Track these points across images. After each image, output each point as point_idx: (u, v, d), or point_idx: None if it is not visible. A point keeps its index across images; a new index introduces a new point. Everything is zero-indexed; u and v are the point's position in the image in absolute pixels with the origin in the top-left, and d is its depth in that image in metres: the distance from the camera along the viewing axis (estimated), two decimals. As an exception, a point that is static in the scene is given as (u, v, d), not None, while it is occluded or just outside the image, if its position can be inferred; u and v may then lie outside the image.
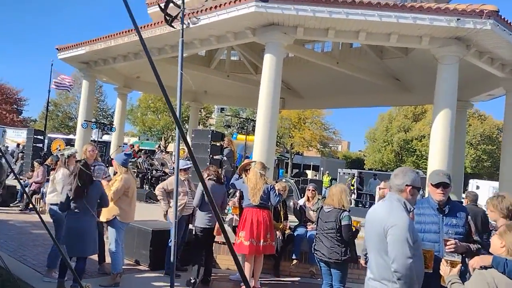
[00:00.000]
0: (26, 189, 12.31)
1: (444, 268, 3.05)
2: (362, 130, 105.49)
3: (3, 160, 6.24)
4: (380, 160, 44.23)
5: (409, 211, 3.07)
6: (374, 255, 3.09)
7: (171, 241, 6.57)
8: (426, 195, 4.89)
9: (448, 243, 3.39)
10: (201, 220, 6.40)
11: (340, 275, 5.10)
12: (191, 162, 7.11)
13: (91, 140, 17.07)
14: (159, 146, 21.64)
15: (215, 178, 6.55)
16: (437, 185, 3.58)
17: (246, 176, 6.67)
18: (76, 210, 5.23)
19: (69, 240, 5.17)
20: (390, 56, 13.97)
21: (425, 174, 18.67)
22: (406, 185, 3.07)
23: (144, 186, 14.49)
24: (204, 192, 6.26)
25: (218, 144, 9.98)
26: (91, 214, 5.26)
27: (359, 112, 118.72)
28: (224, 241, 7.27)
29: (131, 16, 1.58)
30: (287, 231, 7.51)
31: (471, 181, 29.76)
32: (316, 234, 5.44)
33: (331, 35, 9.81)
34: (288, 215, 7.75)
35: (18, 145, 24.08)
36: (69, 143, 22.28)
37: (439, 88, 9.80)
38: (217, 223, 6.38)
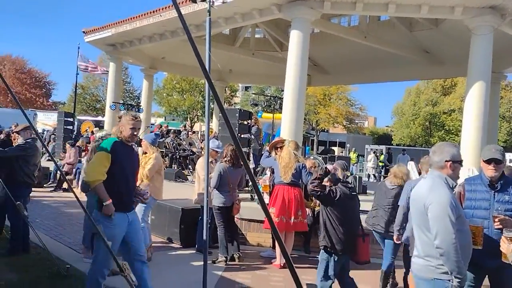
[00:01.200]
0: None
1: (505, 245, 2.98)
2: (388, 105, 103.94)
3: (38, 143, 6.41)
4: (408, 135, 43.49)
5: (452, 187, 3.01)
6: (418, 232, 3.08)
7: (201, 218, 6.66)
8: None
9: (496, 219, 3.32)
10: (218, 199, 6.42)
11: (392, 247, 5.43)
12: (221, 143, 7.15)
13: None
14: (185, 126, 21.80)
15: (231, 161, 6.49)
16: (488, 161, 3.50)
17: (276, 154, 6.66)
18: None
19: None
20: (420, 28, 13.55)
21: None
22: (446, 160, 3.02)
23: (173, 165, 14.68)
24: (220, 173, 6.31)
25: (245, 122, 9.96)
26: None
27: (386, 87, 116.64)
28: (252, 218, 7.40)
29: None
30: (317, 208, 7.48)
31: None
32: (374, 207, 5.72)
33: (359, 8, 9.55)
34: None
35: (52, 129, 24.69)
36: (98, 124, 22.70)
37: (472, 60, 9.47)
38: (234, 201, 6.51)
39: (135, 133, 4.14)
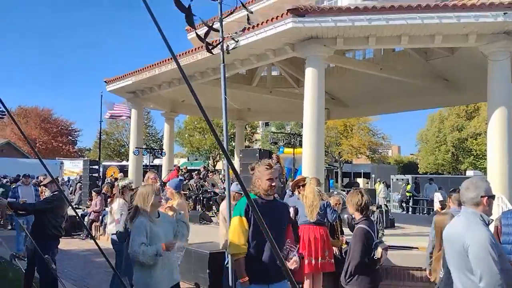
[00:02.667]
0: (86, 218, 12.85)
1: None
2: (412, 133, 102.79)
3: (66, 193, 6.55)
4: (435, 162, 42.69)
5: (488, 224, 2.92)
6: (458, 274, 2.94)
7: (227, 262, 6.60)
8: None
9: None
10: None
11: None
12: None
13: (143, 165, 17.57)
14: (204, 167, 21.96)
15: None
16: None
17: (299, 192, 6.62)
18: None
19: (129, 268, 5.28)
20: (436, 56, 13.54)
21: (485, 175, 17.79)
22: (481, 196, 2.91)
23: (197, 207, 14.70)
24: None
25: (266, 162, 9.96)
26: None
27: (408, 115, 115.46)
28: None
29: (169, 48, 1.62)
30: (344, 246, 7.34)
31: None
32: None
33: (372, 43, 9.65)
34: (343, 229, 7.60)
35: (77, 176, 25.19)
36: (122, 169, 23.07)
37: (491, 85, 9.37)
38: None
39: (274, 183, 3.64)
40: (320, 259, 6.13)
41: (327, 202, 6.43)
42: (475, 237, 2.75)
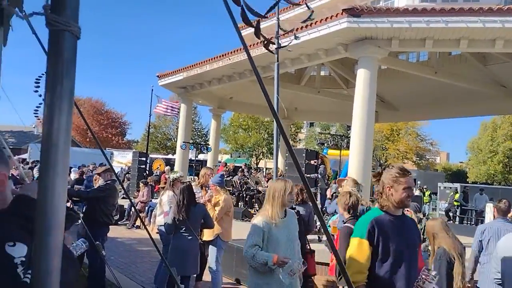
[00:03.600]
0: (132, 208, 13.23)
1: None
2: (462, 140, 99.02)
3: (116, 183, 6.77)
4: (486, 172, 40.93)
5: None
6: None
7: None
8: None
9: None
10: None
11: None
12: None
13: (189, 159, 17.89)
14: (246, 164, 22.07)
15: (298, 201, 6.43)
16: None
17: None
18: (181, 231, 5.45)
19: (173, 259, 5.39)
20: (495, 61, 12.98)
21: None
22: None
23: (239, 204, 14.80)
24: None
25: (312, 162, 9.92)
26: (193, 235, 5.45)
27: (459, 121, 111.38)
28: (318, 261, 7.22)
29: (241, 38, 1.64)
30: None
31: None
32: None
33: (428, 45, 9.37)
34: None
35: (124, 166, 25.97)
36: (168, 162, 23.57)
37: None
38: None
39: (410, 194, 2.80)
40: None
41: (367, 207, 6.09)
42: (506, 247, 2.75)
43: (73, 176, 15.19)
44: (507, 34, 8.83)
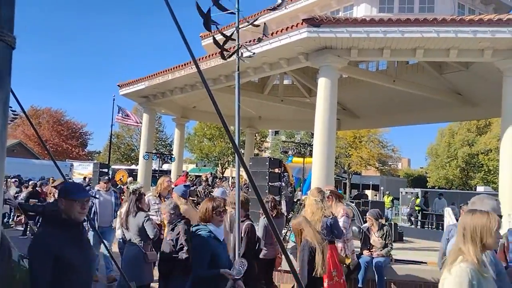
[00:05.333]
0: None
1: None
2: (422, 146, 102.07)
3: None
4: (445, 176, 42.32)
5: None
6: None
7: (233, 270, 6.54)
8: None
9: None
10: (264, 252, 6.30)
11: None
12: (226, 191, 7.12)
13: (152, 170, 17.61)
14: (211, 173, 21.95)
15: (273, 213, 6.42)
16: None
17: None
18: (130, 241, 5.39)
19: (125, 270, 5.26)
20: (450, 70, 13.46)
21: (496, 191, 17.52)
22: None
23: (204, 214, 14.64)
24: (265, 225, 6.23)
25: (276, 171, 9.94)
26: (135, 244, 5.37)
27: (418, 127, 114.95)
28: (287, 269, 7.22)
29: (191, 52, 1.63)
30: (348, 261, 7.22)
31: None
32: None
33: (386, 55, 9.62)
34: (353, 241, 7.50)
35: (84, 178, 25.29)
36: (131, 173, 23.13)
37: (505, 102, 9.26)
38: (276, 255, 6.27)
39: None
40: (327, 281, 5.51)
41: (333, 218, 5.80)
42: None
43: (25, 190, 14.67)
44: (461, 44, 9.17)
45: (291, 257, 6.70)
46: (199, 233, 3.95)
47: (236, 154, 1.48)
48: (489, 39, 8.68)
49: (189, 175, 19.34)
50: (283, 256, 6.36)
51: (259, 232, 6.20)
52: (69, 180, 7.70)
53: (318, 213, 5.66)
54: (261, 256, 6.21)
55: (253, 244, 4.81)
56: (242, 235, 4.84)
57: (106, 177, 8.49)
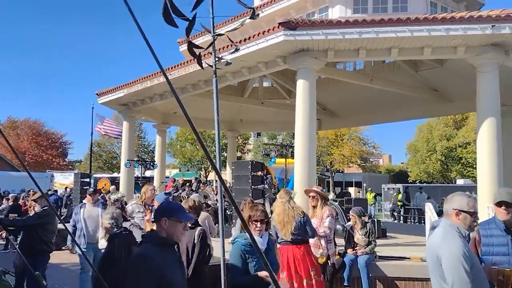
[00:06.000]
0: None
1: None
2: (402, 142, 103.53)
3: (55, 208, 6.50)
4: (425, 170, 43.00)
5: (464, 236, 3.00)
6: (433, 281, 3.08)
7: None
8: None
9: None
10: None
11: None
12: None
13: (135, 177, 17.48)
14: (196, 178, 21.90)
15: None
16: (499, 204, 3.51)
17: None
18: None
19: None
20: (425, 67, 13.71)
21: (475, 183, 17.85)
22: (453, 209, 3.02)
23: (189, 219, 14.59)
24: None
25: (258, 174, 9.99)
26: None
27: (398, 124, 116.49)
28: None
29: (156, 59, 1.66)
30: (337, 257, 7.32)
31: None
32: None
33: (362, 55, 9.76)
34: (336, 239, 7.60)
35: (66, 188, 24.95)
36: (114, 181, 22.94)
37: (480, 97, 9.50)
38: None
39: None
40: (305, 280, 5.57)
41: (304, 217, 5.80)
42: (449, 248, 2.87)
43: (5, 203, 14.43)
44: (434, 42, 9.36)
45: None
46: (236, 241, 3.99)
47: (212, 166, 1.50)
48: (461, 36, 8.88)
49: (177, 180, 19.25)
50: None
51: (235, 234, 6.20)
52: (91, 192, 7.53)
53: (289, 213, 5.68)
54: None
55: (204, 250, 4.86)
56: (195, 241, 4.81)
57: (91, 189, 8.16)
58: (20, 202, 14.33)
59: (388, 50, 9.66)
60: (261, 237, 3.90)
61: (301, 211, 5.90)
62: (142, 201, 6.88)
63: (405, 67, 13.81)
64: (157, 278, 2.67)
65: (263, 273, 3.63)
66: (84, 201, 7.94)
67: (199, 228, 5.03)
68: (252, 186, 9.43)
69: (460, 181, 33.47)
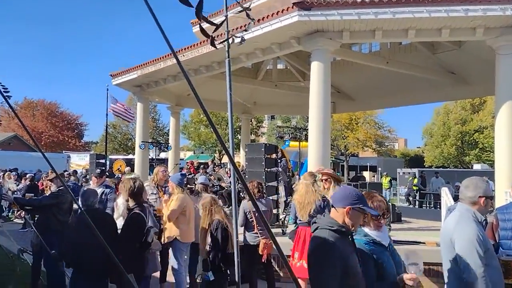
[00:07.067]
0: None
1: None
2: (418, 126, 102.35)
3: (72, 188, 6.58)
4: (441, 155, 42.52)
5: (480, 221, 2.98)
6: (445, 264, 3.10)
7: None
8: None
9: None
10: (245, 237, 6.36)
11: None
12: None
13: (149, 159, 17.62)
14: (212, 160, 21.97)
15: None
16: None
17: (324, 187, 6.41)
18: None
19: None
20: (443, 49, 13.42)
21: (491, 168, 17.58)
22: (479, 196, 3.03)
23: (202, 201, 14.69)
24: (244, 211, 6.27)
25: (272, 156, 9.96)
26: None
27: (414, 107, 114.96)
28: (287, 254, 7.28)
29: (168, 42, 1.63)
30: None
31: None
32: None
33: (378, 36, 9.56)
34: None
35: (84, 169, 25.30)
36: (129, 163, 23.15)
37: (499, 79, 9.27)
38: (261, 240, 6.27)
39: None
40: None
41: (325, 201, 5.86)
42: (464, 232, 2.88)
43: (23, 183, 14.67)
44: (452, 23, 9.12)
45: (289, 241, 6.78)
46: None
47: (224, 149, 1.48)
48: (480, 17, 8.64)
49: (193, 163, 19.37)
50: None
51: (239, 219, 6.24)
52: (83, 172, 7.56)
53: (310, 196, 5.79)
54: (247, 243, 6.30)
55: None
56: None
57: (98, 170, 7.96)
58: (40, 183, 14.57)
59: (405, 31, 9.44)
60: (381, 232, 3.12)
61: (323, 195, 5.98)
62: (154, 183, 6.92)
63: (422, 49, 13.54)
64: (341, 265, 2.51)
65: (408, 276, 2.87)
66: (89, 183, 7.93)
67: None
68: (266, 169, 9.41)
69: (477, 166, 33.05)
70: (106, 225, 4.58)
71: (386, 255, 2.97)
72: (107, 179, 8.57)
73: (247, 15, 4.06)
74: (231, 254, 4.75)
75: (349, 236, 2.73)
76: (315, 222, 2.78)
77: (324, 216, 2.79)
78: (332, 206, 2.71)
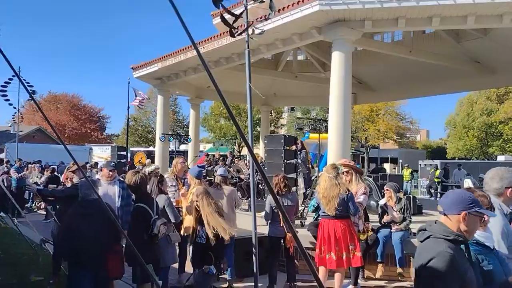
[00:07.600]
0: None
1: None
2: (441, 117, 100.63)
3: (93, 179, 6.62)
4: (464, 147, 41.72)
5: (506, 214, 2.88)
6: None
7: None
8: None
9: None
10: (271, 230, 6.33)
11: None
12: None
13: (170, 151, 17.73)
14: (231, 152, 21.97)
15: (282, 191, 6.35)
16: None
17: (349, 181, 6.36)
18: None
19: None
20: (468, 38, 13.06)
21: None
22: (506, 187, 2.94)
23: (222, 193, 14.72)
24: (271, 205, 6.23)
25: (291, 148, 9.87)
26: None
27: (437, 98, 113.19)
28: (306, 246, 7.22)
29: (188, 33, 1.59)
30: (370, 233, 7.18)
31: None
32: None
33: (401, 25, 9.35)
34: (369, 215, 7.45)
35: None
36: (150, 155, 23.35)
37: (527, 68, 8.99)
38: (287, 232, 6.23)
39: None
40: (345, 254, 5.70)
41: (348, 194, 5.81)
42: (489, 224, 2.76)
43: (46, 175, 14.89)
44: (478, 10, 8.86)
45: (308, 233, 6.71)
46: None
47: (243, 140, 1.45)
48: (508, 4, 8.36)
49: (212, 155, 19.41)
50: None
51: (266, 213, 6.23)
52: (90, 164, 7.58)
53: (334, 189, 5.73)
54: (272, 235, 6.28)
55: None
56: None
57: (112, 163, 7.24)
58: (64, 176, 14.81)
59: (429, 19, 9.21)
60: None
61: (346, 188, 5.93)
62: (173, 175, 6.92)
63: (446, 38, 13.20)
64: (460, 280, 2.24)
65: None
66: (98, 176, 7.55)
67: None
68: (285, 161, 9.32)
69: (501, 157, 32.32)
70: (103, 216, 4.50)
71: (493, 259, 2.68)
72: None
73: (269, 4, 3.99)
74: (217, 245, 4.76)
75: (465, 246, 2.44)
76: (424, 229, 2.49)
77: (436, 223, 2.47)
78: (444, 214, 2.41)
